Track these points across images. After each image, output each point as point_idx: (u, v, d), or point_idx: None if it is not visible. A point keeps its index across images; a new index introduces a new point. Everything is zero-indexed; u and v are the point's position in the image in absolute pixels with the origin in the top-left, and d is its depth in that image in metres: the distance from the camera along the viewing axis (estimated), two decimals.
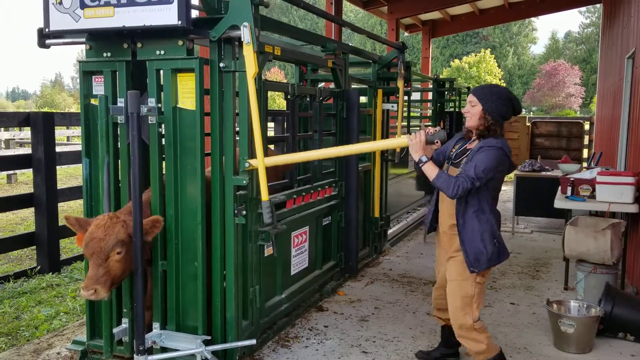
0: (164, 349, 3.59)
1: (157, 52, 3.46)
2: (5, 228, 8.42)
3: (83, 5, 3.36)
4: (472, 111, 3.37)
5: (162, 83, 3.51)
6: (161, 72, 3.50)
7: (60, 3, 3.41)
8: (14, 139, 14.50)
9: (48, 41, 3.70)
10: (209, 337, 3.60)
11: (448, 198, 3.36)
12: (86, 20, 3.37)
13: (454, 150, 3.54)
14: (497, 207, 3.46)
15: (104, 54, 3.59)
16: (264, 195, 3.54)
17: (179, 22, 3.19)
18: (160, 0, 3.19)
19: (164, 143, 3.55)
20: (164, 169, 3.60)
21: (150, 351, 3.56)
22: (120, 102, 3.53)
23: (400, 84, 6.35)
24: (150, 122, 3.49)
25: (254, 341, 3.65)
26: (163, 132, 3.54)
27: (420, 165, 3.33)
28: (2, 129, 13.51)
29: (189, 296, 3.62)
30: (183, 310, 3.64)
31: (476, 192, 3.29)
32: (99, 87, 3.64)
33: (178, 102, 3.50)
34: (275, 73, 46.21)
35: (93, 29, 3.38)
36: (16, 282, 5.64)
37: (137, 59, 3.70)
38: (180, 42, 3.39)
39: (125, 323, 3.69)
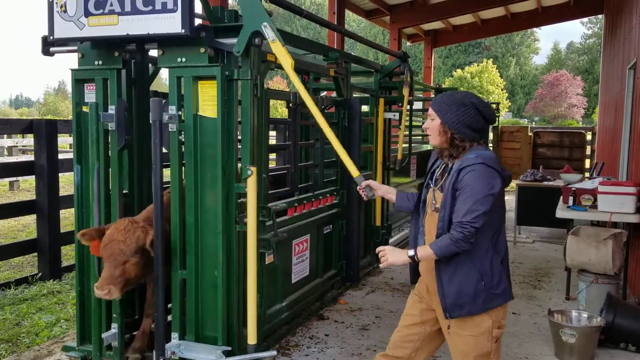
0: None
1: (179, 60, 3.48)
2: (7, 235, 8.43)
3: (87, 14, 3.39)
4: (431, 126, 2.78)
5: (182, 91, 3.53)
6: (182, 79, 3.51)
7: (65, 11, 3.44)
8: (17, 146, 14.55)
9: (52, 49, 3.73)
10: (229, 348, 3.58)
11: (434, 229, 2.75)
12: (90, 28, 3.40)
13: (436, 170, 2.90)
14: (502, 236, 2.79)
15: (96, 62, 3.64)
16: (355, 171, 3.22)
17: (183, 31, 3.21)
18: (164, 9, 3.22)
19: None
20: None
21: None
22: (111, 110, 3.56)
23: (405, 91, 6.37)
24: (170, 129, 3.51)
25: (274, 352, 3.65)
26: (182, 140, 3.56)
27: (417, 259, 2.72)
28: (5, 136, 13.56)
29: (209, 306, 3.60)
30: (202, 320, 3.63)
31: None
32: (91, 94, 3.69)
33: (199, 110, 3.52)
34: (278, 82, 46.36)
35: (97, 37, 3.42)
36: (17, 288, 5.64)
37: (136, 65, 3.75)
38: (202, 50, 3.41)
39: (114, 328, 3.71)
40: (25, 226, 8.95)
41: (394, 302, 5.39)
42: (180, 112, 3.52)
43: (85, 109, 3.71)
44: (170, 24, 3.21)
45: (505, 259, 2.78)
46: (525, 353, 4.29)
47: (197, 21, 3.50)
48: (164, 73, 3.90)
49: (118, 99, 3.61)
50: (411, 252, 2.72)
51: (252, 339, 3.62)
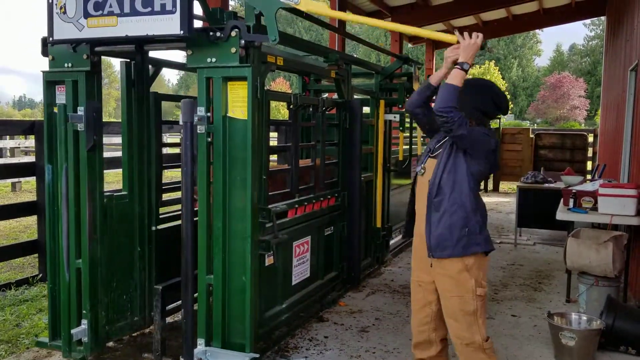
0: None
1: (208, 60, 3.46)
2: (8, 236, 8.44)
3: (87, 15, 3.39)
4: None
5: (212, 92, 3.52)
6: (212, 80, 3.50)
7: (65, 12, 3.44)
8: (19, 147, 14.58)
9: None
10: (257, 355, 3.57)
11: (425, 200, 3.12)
12: (90, 29, 3.40)
13: (433, 143, 3.27)
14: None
15: (66, 65, 3.66)
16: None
17: (182, 32, 3.21)
18: (163, 10, 3.22)
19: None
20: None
21: None
22: (80, 111, 3.58)
23: (416, 86, 6.36)
24: (199, 131, 3.50)
25: (303, 359, 3.64)
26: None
27: (463, 68, 2.95)
28: (8, 137, 13.60)
29: (236, 311, 3.59)
30: (229, 326, 3.62)
31: (454, 173, 3.03)
32: (62, 96, 3.72)
33: (228, 112, 3.51)
34: (281, 83, 46.43)
35: (96, 38, 3.42)
36: (17, 289, 5.65)
37: (135, 66, 3.76)
38: (233, 50, 3.39)
39: (84, 324, 3.73)
40: (27, 227, 8.95)
41: (394, 304, 5.38)
42: (209, 114, 3.50)
43: (56, 110, 3.75)
44: (169, 25, 3.21)
45: (485, 216, 3.14)
46: (524, 355, 4.28)
47: (198, 23, 3.52)
48: (166, 74, 3.94)
49: (87, 100, 3.61)
50: (467, 67, 2.95)
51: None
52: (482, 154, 3.02)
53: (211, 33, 3.38)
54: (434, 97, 3.07)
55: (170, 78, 79.58)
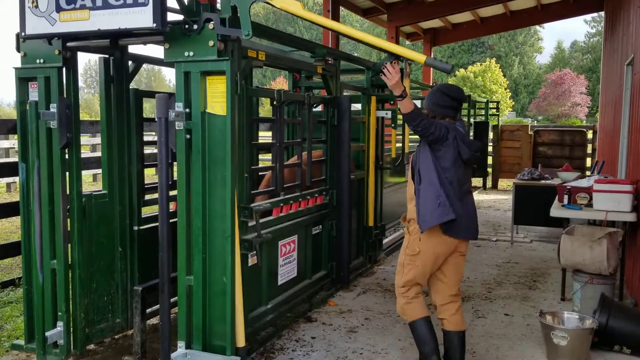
0: None
1: (186, 54, 3.37)
2: None
3: (59, 9, 3.30)
4: None
5: (190, 86, 3.42)
6: (190, 75, 3.40)
7: (37, 6, 3.36)
8: (14, 148, 14.49)
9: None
10: (238, 358, 3.48)
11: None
12: (62, 23, 3.32)
13: None
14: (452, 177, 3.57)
15: (37, 61, 3.58)
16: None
17: (154, 25, 3.12)
18: (135, 3, 3.13)
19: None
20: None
21: None
22: (52, 108, 3.50)
23: (406, 82, 6.22)
24: (177, 127, 3.40)
25: None
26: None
27: (402, 97, 3.49)
28: (2, 137, 13.52)
29: (217, 313, 3.51)
30: (210, 329, 3.53)
31: (425, 162, 3.57)
32: (34, 93, 3.64)
33: (207, 107, 3.41)
34: (281, 82, 46.28)
35: (68, 32, 3.32)
36: (3, 291, 5.56)
37: (114, 62, 3.65)
38: (211, 43, 3.30)
39: (60, 326, 3.67)
40: (19, 227, 8.85)
41: (385, 304, 5.27)
42: (187, 110, 3.40)
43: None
44: (142, 18, 3.12)
45: (457, 191, 3.57)
46: (515, 355, 4.17)
47: (173, 16, 3.42)
48: (167, 73, 3.83)
49: (59, 97, 3.53)
50: (405, 94, 3.52)
51: (240, 341, 3.54)
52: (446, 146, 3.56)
53: (186, 26, 3.29)
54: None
55: (171, 78, 79.39)
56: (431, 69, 15.17)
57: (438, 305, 3.77)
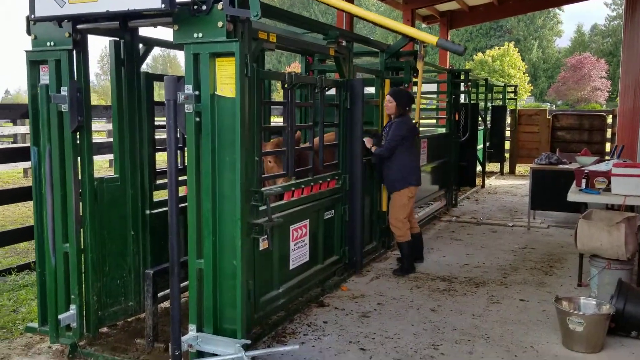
0: (200, 353, 3.49)
1: (195, 35, 3.32)
2: (16, 221, 8.45)
3: None
4: (391, 105, 5.62)
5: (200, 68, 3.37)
6: (199, 56, 3.36)
7: None
8: (29, 133, 14.58)
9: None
10: (249, 342, 3.48)
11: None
12: (71, 5, 3.28)
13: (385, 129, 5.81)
14: (413, 152, 5.75)
15: (48, 44, 3.55)
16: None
17: (163, 6, 3.08)
18: None
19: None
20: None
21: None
22: (63, 91, 3.47)
23: (419, 65, 6.13)
24: (187, 110, 3.37)
25: (297, 347, 3.58)
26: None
27: (375, 151, 5.60)
28: (19, 122, 13.63)
29: (228, 297, 3.49)
30: (221, 312, 3.52)
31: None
32: (45, 76, 3.62)
33: (217, 89, 3.38)
34: (296, 68, 46.02)
35: (77, 14, 3.29)
36: (18, 274, 5.62)
37: (125, 45, 3.62)
38: (220, 24, 3.25)
39: (72, 309, 3.68)
40: None
41: (399, 289, 5.24)
42: (197, 92, 3.37)
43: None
44: None
45: (415, 164, 5.79)
46: (530, 341, 4.12)
47: None
48: (180, 58, 3.77)
49: (70, 80, 3.51)
50: (372, 149, 5.65)
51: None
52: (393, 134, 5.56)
53: (195, 7, 3.24)
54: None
55: None
56: (447, 52, 14.98)
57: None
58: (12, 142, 15.53)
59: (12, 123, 14.80)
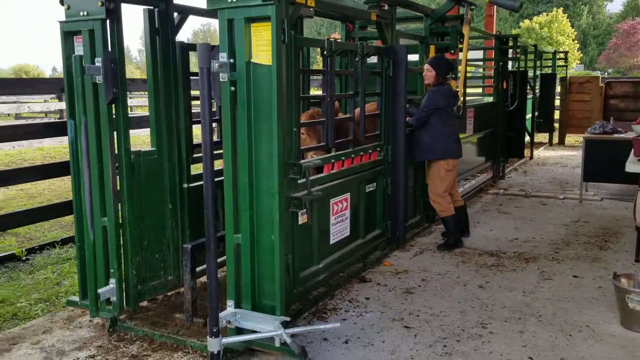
0: (238, 330, 3.42)
1: (229, 0, 3.19)
2: (61, 195, 8.58)
3: None
4: (429, 75, 5.33)
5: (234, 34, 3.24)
6: (233, 22, 3.22)
7: None
8: None
9: None
10: (288, 319, 3.39)
11: None
12: None
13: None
14: (449, 123, 5.42)
15: (81, 14, 3.43)
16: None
17: None
18: None
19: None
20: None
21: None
22: (97, 62, 3.36)
23: (465, 30, 5.84)
24: (222, 79, 3.24)
25: (337, 324, 3.47)
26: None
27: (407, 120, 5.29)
28: (57, 99, 13.85)
29: (266, 272, 3.40)
30: (259, 288, 3.44)
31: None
32: (80, 47, 3.51)
33: (252, 57, 3.23)
34: (336, 38, 45.45)
35: None
36: (62, 248, 5.68)
37: (159, 14, 3.50)
38: None
39: (112, 283, 3.65)
40: None
41: (443, 264, 5.06)
42: (232, 60, 3.23)
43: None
44: None
45: (450, 135, 5.43)
46: (586, 321, 3.89)
47: None
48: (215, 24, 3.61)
49: (104, 50, 3.39)
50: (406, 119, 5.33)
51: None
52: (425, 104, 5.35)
53: None
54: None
55: None
56: (494, 18, 14.41)
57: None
58: (59, 118, 15.84)
59: (58, 99, 15.07)
